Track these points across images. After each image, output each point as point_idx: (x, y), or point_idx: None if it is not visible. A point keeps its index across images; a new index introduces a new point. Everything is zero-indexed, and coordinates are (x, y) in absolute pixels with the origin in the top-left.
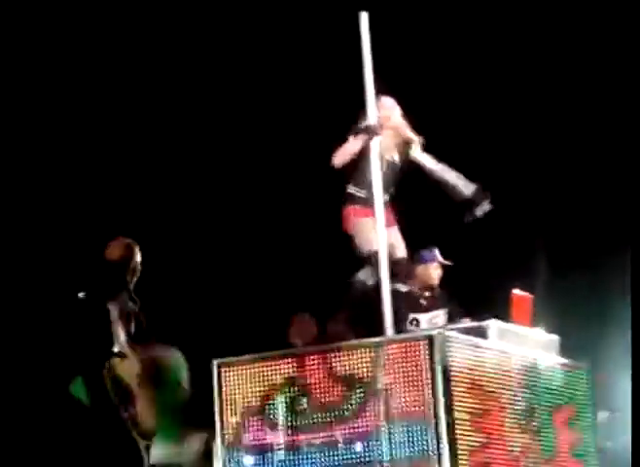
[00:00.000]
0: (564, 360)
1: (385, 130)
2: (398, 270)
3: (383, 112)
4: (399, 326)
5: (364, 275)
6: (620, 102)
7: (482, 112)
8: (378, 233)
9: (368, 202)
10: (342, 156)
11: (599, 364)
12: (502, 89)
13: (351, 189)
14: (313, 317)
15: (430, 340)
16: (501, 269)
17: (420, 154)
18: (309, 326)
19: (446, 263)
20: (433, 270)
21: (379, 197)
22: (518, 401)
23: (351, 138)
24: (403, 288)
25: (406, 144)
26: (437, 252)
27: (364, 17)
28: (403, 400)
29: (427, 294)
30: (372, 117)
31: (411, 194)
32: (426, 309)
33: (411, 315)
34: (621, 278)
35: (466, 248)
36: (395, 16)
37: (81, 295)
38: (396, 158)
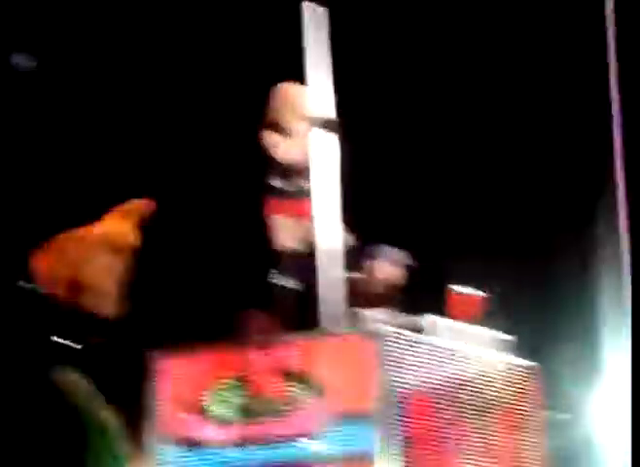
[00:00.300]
0: (514, 359)
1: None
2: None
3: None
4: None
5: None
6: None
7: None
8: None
9: (291, 196)
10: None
11: (554, 364)
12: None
13: (273, 181)
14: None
15: (371, 335)
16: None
17: None
18: (264, 323)
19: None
20: (388, 267)
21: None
22: (460, 400)
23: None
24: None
25: None
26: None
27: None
28: (343, 397)
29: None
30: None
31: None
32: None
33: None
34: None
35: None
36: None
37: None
38: None
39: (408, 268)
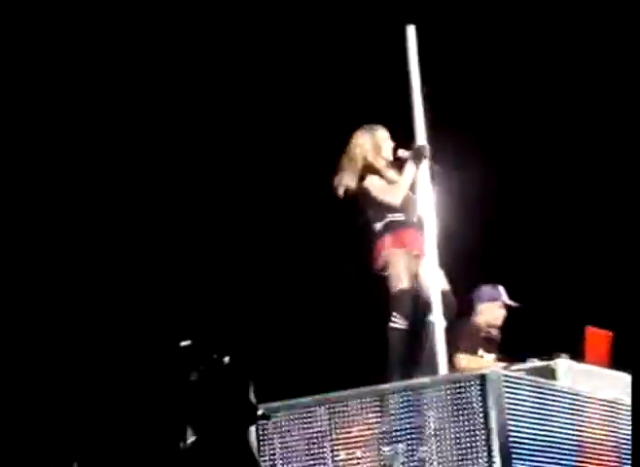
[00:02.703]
0: None
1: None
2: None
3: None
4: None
5: (398, 323)
6: None
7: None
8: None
9: (410, 226)
10: (402, 190)
11: None
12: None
13: (389, 217)
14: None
15: (482, 379)
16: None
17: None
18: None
19: (513, 304)
20: (498, 310)
21: (431, 226)
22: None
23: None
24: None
25: None
26: (502, 290)
27: (411, 31)
28: (454, 448)
29: (494, 333)
30: (420, 138)
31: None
32: (490, 350)
33: (481, 351)
34: None
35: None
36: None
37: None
38: None
39: (511, 308)
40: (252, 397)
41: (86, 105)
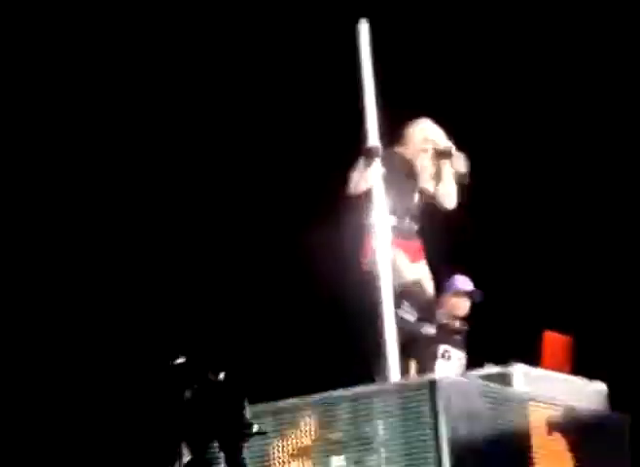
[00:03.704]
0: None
1: (426, 157)
2: (427, 310)
3: (425, 135)
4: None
5: (405, 313)
6: None
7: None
8: (380, 258)
9: (398, 233)
10: (356, 183)
11: None
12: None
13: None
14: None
15: (432, 385)
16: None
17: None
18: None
19: (474, 293)
20: (459, 300)
21: (383, 220)
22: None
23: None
24: (431, 330)
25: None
26: (465, 280)
27: (364, 27)
28: (403, 458)
29: (462, 327)
30: (372, 137)
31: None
32: (459, 345)
33: (443, 346)
34: None
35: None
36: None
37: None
38: (431, 188)
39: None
40: (247, 414)
41: (85, 105)
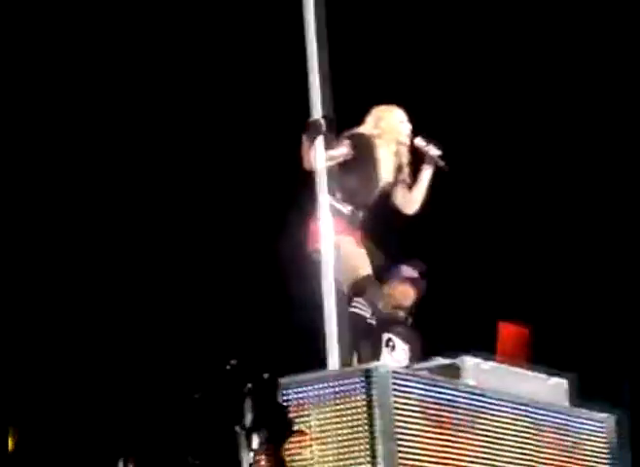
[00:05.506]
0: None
1: (399, 150)
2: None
3: (401, 128)
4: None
5: (359, 310)
6: None
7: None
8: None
9: (348, 220)
10: (306, 161)
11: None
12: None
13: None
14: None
15: (367, 374)
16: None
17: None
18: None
19: (419, 283)
20: (403, 288)
21: (324, 199)
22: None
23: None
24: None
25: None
26: (408, 268)
27: None
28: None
29: (404, 316)
30: (316, 111)
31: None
32: (403, 336)
33: (386, 335)
34: None
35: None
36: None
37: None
38: (390, 180)
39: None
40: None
41: (85, 105)
